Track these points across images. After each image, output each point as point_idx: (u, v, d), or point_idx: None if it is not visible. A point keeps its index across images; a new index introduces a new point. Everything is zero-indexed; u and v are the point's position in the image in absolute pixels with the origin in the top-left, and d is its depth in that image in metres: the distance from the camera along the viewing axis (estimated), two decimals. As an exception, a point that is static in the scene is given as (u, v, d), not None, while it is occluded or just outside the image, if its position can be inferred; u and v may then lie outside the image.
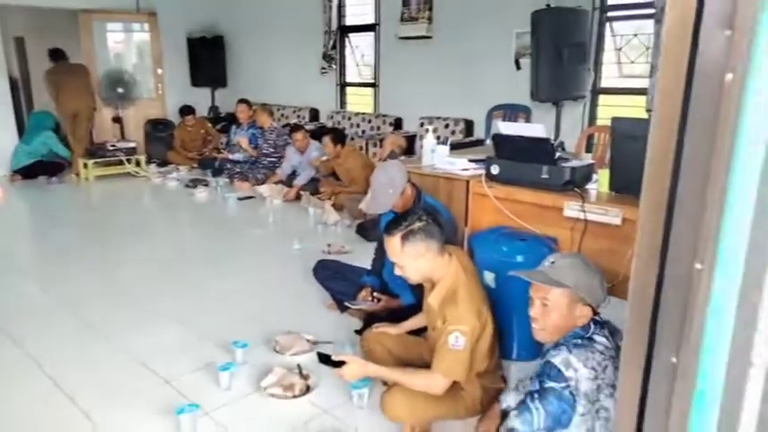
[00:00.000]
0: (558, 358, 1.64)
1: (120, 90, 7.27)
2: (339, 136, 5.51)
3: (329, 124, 7.12)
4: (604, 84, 5.00)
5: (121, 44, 8.33)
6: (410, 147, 5.96)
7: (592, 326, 1.74)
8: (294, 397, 2.29)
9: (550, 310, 1.76)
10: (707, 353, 0.94)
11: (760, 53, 0.73)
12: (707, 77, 0.88)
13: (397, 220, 2.08)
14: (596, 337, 1.71)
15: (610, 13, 4.85)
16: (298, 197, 5.62)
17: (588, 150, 4.10)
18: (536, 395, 1.64)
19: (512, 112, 5.17)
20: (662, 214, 0.97)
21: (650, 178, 0.95)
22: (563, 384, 1.61)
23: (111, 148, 6.94)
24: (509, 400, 2.03)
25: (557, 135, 4.63)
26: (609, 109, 4.93)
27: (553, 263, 1.82)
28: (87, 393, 2.35)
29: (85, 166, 6.73)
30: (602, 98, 5.02)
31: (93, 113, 7.25)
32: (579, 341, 1.70)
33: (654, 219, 0.97)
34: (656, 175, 0.95)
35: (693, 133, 0.91)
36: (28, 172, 6.81)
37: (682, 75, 0.92)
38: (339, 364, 2.11)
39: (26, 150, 6.90)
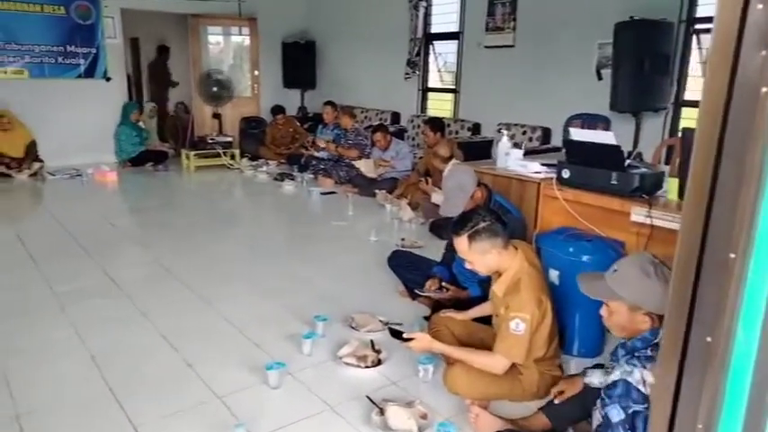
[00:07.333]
0: (633, 377, 1.72)
1: (214, 89, 7.65)
2: (438, 124, 5.62)
3: (410, 127, 7.40)
4: (689, 96, 4.90)
5: (220, 46, 8.94)
6: (485, 151, 6.04)
7: (660, 331, 1.74)
8: (366, 367, 2.54)
9: (613, 314, 1.88)
10: (740, 334, 1.11)
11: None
12: (746, 90, 1.05)
13: (462, 221, 2.24)
14: None
15: (697, 26, 4.76)
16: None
17: (668, 162, 4.11)
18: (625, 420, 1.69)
19: (590, 121, 5.19)
20: (703, 209, 1.14)
21: (695, 176, 1.11)
22: (645, 405, 1.66)
23: (211, 141, 7.48)
24: (594, 377, 2.01)
25: (635, 145, 4.64)
26: (692, 122, 4.86)
27: (615, 270, 1.89)
28: (190, 348, 2.73)
29: (188, 157, 7.36)
30: (685, 111, 4.91)
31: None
32: (649, 352, 1.76)
33: (695, 213, 1.14)
34: (700, 174, 1.12)
35: (732, 139, 1.08)
36: (136, 159, 7.49)
37: (724, 87, 1.10)
38: (409, 339, 2.35)
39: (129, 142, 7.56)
